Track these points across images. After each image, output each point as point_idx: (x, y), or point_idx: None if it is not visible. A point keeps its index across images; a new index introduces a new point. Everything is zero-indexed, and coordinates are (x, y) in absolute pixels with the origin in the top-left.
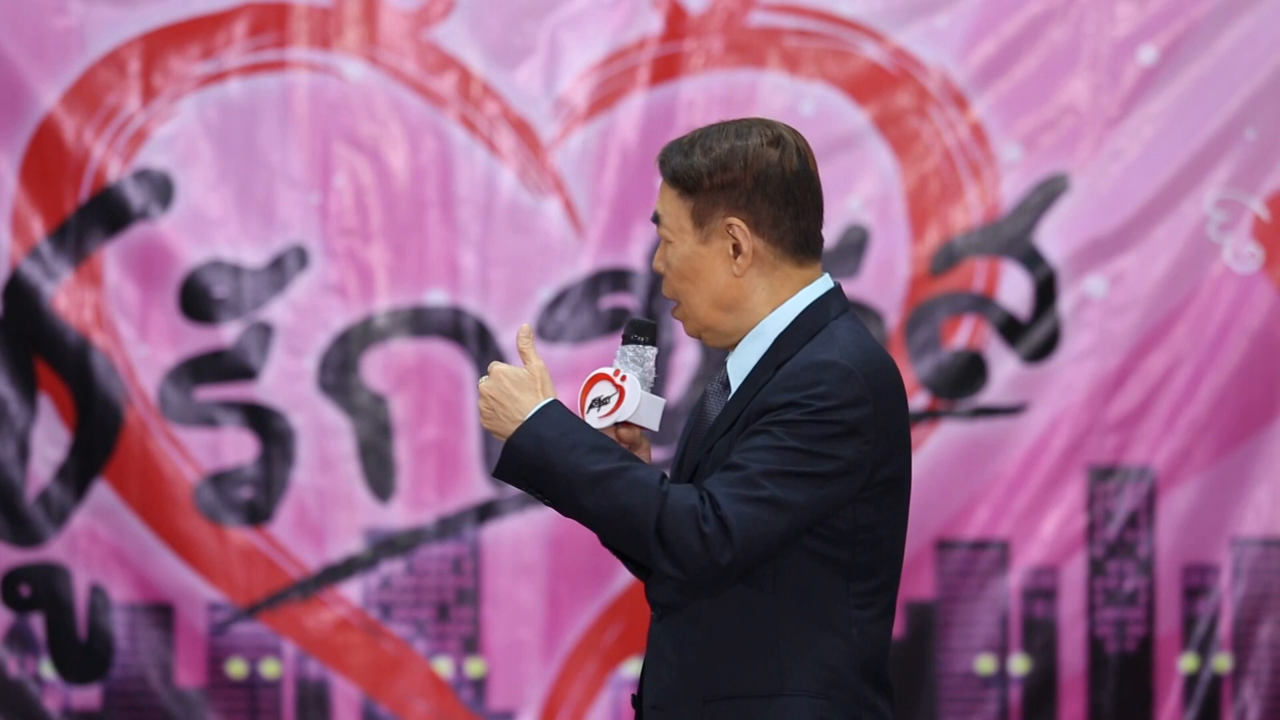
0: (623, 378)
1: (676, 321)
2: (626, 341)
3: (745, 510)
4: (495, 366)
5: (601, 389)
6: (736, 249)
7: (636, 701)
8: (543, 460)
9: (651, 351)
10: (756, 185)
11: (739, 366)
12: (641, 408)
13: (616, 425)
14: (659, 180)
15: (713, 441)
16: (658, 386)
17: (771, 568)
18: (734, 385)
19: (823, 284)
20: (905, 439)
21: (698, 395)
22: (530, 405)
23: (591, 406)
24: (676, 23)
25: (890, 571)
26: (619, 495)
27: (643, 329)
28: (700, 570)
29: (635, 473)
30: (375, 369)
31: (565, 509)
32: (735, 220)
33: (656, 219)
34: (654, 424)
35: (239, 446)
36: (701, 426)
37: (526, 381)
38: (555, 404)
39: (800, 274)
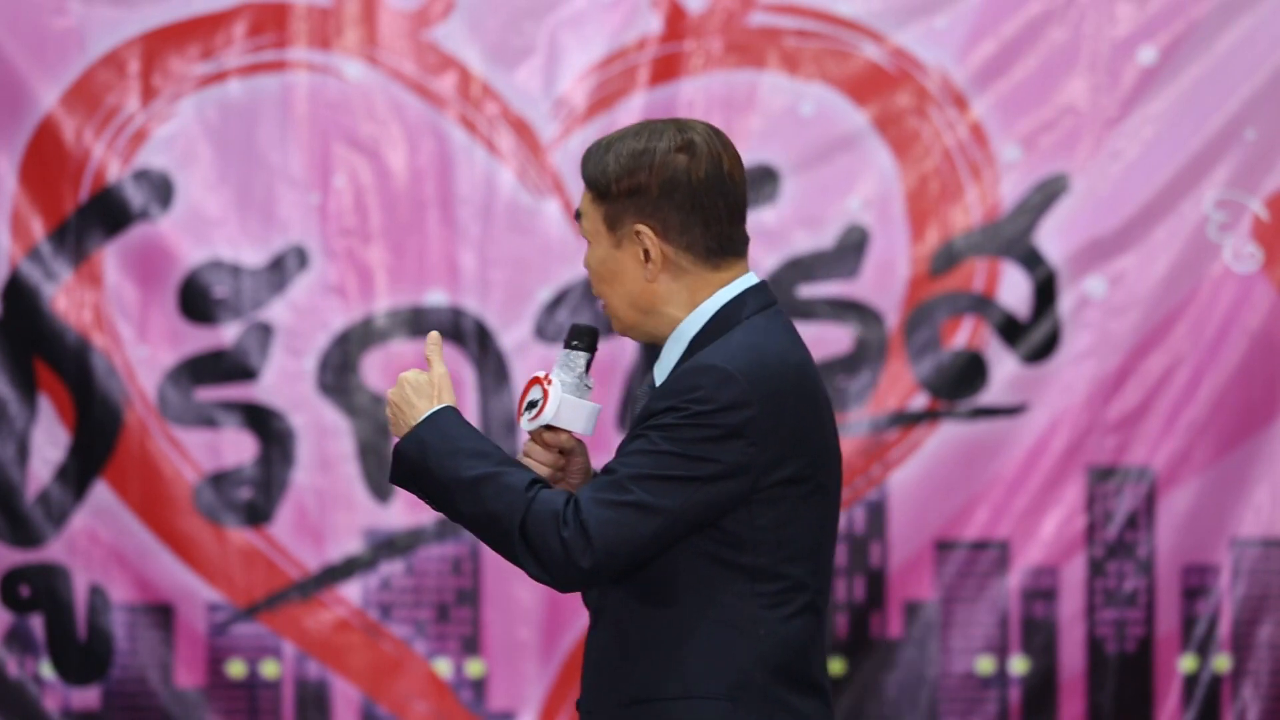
0: (549, 381)
1: None
2: (565, 346)
3: (607, 515)
4: (402, 375)
5: (534, 393)
6: (646, 255)
7: (579, 706)
8: (424, 466)
9: (583, 357)
10: (663, 193)
11: (662, 371)
12: (563, 412)
13: (543, 429)
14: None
15: None
16: (600, 390)
17: (671, 572)
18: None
19: (742, 283)
20: (811, 439)
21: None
22: (424, 411)
23: (526, 410)
24: (676, 23)
25: (804, 572)
26: (487, 500)
27: (580, 334)
28: (563, 574)
29: (506, 478)
30: (375, 369)
31: (450, 515)
32: (643, 227)
33: (579, 216)
34: (582, 428)
35: (238, 447)
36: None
37: (425, 388)
38: (447, 410)
39: (717, 277)
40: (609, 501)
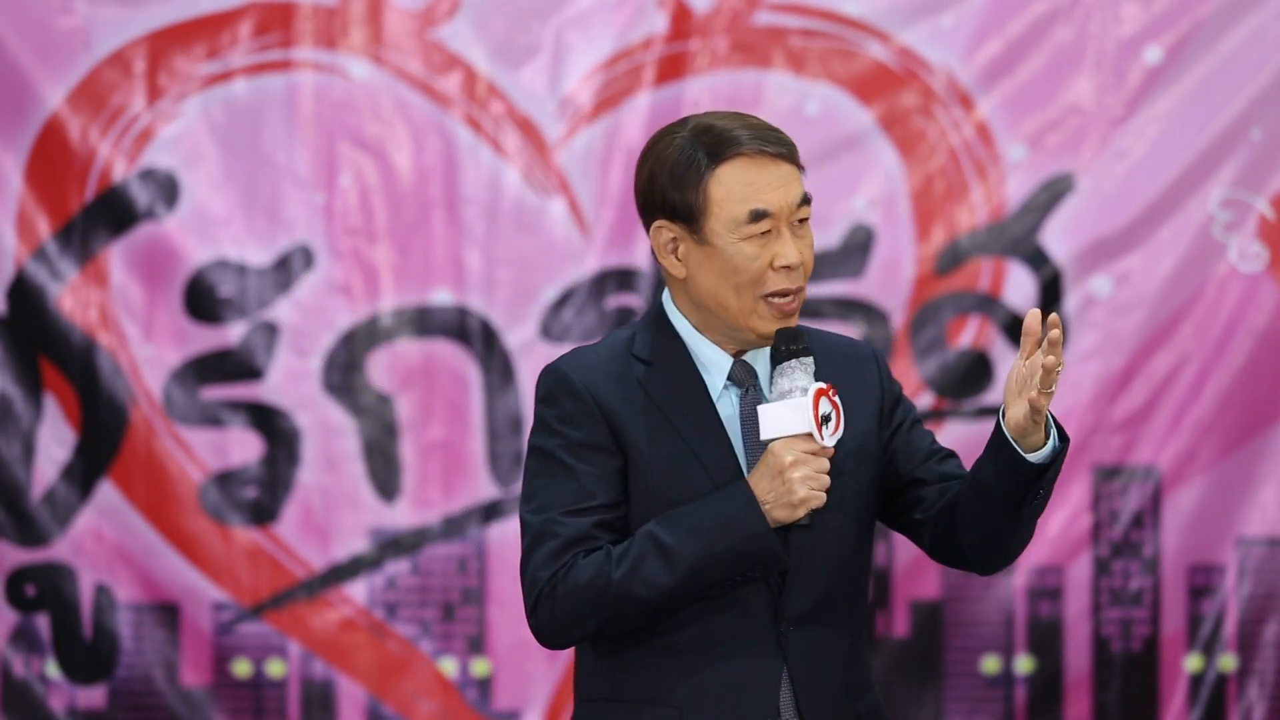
0: (836, 393)
1: None
2: (791, 355)
3: None
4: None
5: (824, 406)
6: None
7: None
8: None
9: (812, 360)
10: None
11: (768, 366)
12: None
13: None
14: (784, 166)
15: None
16: None
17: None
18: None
19: None
20: None
21: None
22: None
23: (823, 424)
24: (682, 22)
25: None
26: None
27: (797, 337)
28: None
29: None
30: (380, 369)
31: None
32: None
33: (808, 200)
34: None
35: (244, 446)
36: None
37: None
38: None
39: None
40: None
